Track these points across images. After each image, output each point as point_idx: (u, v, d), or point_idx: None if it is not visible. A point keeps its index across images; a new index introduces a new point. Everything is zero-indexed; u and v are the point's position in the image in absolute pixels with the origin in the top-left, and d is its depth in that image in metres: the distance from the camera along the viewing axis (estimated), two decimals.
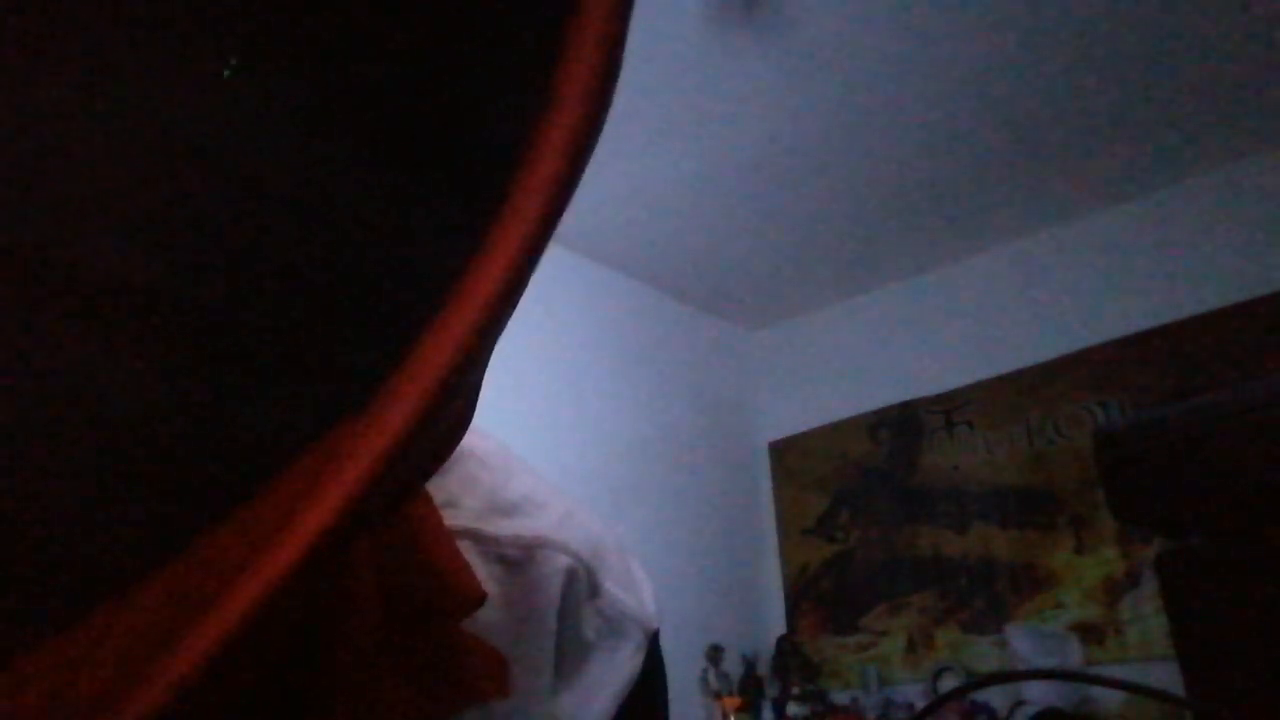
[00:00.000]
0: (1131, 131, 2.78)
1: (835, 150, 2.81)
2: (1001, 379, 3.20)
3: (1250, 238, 2.85)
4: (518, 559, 0.34)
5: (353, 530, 0.15)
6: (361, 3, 0.18)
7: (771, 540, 3.60)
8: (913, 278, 3.51)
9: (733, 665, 3.18)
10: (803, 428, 3.63)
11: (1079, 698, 2.61)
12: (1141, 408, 2.89)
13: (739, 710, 3.09)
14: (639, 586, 0.39)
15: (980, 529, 3.14)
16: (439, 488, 0.33)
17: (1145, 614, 2.74)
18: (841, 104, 2.62)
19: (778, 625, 3.46)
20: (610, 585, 0.37)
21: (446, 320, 0.15)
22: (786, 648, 3.32)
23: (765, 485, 3.68)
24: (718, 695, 3.08)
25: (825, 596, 3.42)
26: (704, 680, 3.10)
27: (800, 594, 3.48)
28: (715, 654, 3.12)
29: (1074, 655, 2.76)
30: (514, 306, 0.15)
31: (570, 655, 0.35)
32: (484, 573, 0.33)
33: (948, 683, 2.98)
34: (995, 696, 2.77)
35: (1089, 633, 2.83)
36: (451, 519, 0.33)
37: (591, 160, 0.16)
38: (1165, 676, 2.20)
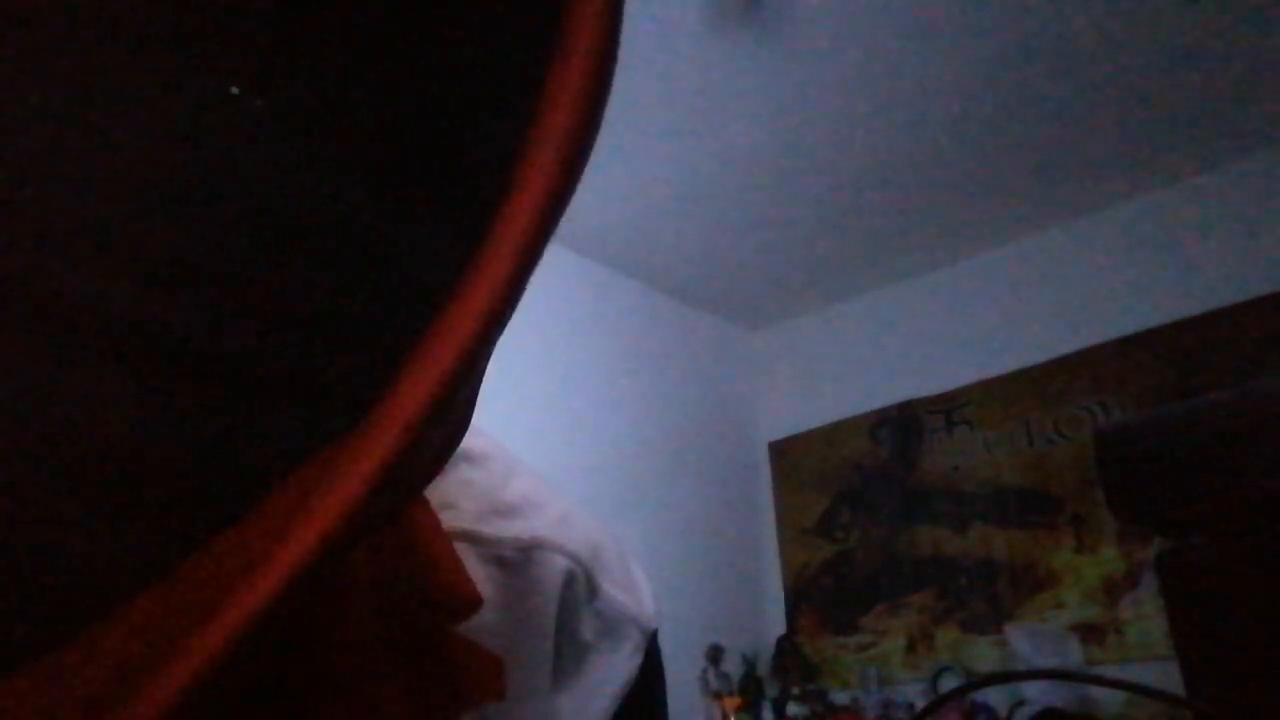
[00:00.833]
0: (1131, 131, 2.78)
1: (835, 150, 2.81)
2: (1001, 379, 3.20)
3: (1250, 238, 2.85)
4: (516, 560, 0.34)
5: (346, 545, 0.15)
6: (353, 21, 0.18)
7: (771, 540, 3.60)
8: (913, 278, 3.51)
9: (733, 665, 3.18)
10: (803, 428, 3.63)
11: (1079, 698, 2.61)
12: (1141, 408, 2.89)
13: (739, 710, 3.09)
14: (637, 587, 0.39)
15: (980, 529, 3.14)
16: (436, 490, 0.33)
17: (1145, 614, 2.74)
18: (841, 104, 2.62)
19: (778, 625, 3.46)
20: (608, 586, 0.37)
21: (437, 339, 0.15)
22: (786, 648, 3.32)
23: (765, 485, 3.68)
24: (718, 695, 3.08)
25: (825, 596, 3.42)
26: (704, 680, 3.10)
27: (800, 594, 3.48)
28: (715, 654, 3.12)
29: (1074, 655, 2.76)
30: (507, 319, 0.15)
31: (568, 656, 0.35)
32: (482, 574, 0.33)
33: (948, 683, 2.98)
34: (995, 696, 2.76)
35: (1089, 633, 2.83)
36: (449, 521, 0.33)
37: (591, 160, 0.16)
38: (1165, 676, 2.20)
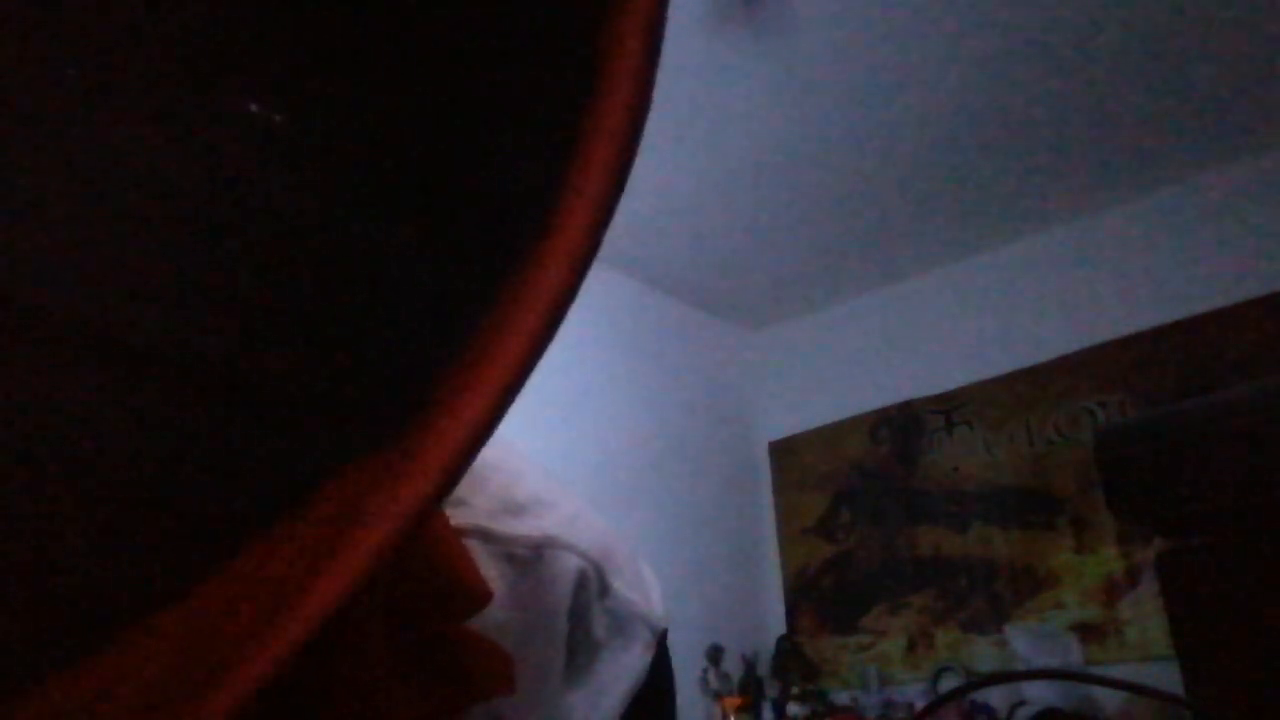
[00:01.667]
0: (1132, 131, 2.78)
1: (835, 151, 2.81)
2: (1001, 379, 3.21)
3: (1250, 238, 2.85)
4: (527, 558, 0.35)
5: (383, 567, 0.15)
6: (389, 62, 0.18)
7: (771, 540, 3.60)
8: (913, 278, 3.51)
9: (733, 665, 3.18)
10: (803, 428, 3.63)
11: (1079, 698, 2.61)
12: (1141, 408, 2.90)
13: (739, 710, 3.09)
14: (647, 586, 0.39)
15: (980, 529, 3.14)
16: None
17: (1145, 614, 2.74)
18: (842, 105, 2.62)
19: (778, 625, 3.46)
20: (619, 585, 0.37)
21: (488, 361, 0.15)
22: (786, 648, 3.32)
23: (765, 485, 3.68)
24: (718, 695, 3.09)
25: (825, 596, 3.42)
26: (704, 680, 3.10)
27: (800, 594, 3.48)
28: (715, 654, 3.12)
29: (1074, 655, 2.76)
30: (553, 336, 0.16)
31: (580, 654, 0.36)
32: (493, 572, 0.33)
33: (948, 683, 2.98)
34: (995, 696, 2.77)
35: (1089, 633, 2.84)
36: (461, 517, 0.34)
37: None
38: (1165, 676, 2.20)
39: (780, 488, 3.64)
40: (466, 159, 0.19)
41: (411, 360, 0.18)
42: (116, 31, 0.16)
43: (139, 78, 0.16)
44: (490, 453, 0.36)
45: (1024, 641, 2.81)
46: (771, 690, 3.25)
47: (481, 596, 0.30)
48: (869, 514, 3.40)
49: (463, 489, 0.35)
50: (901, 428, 3.40)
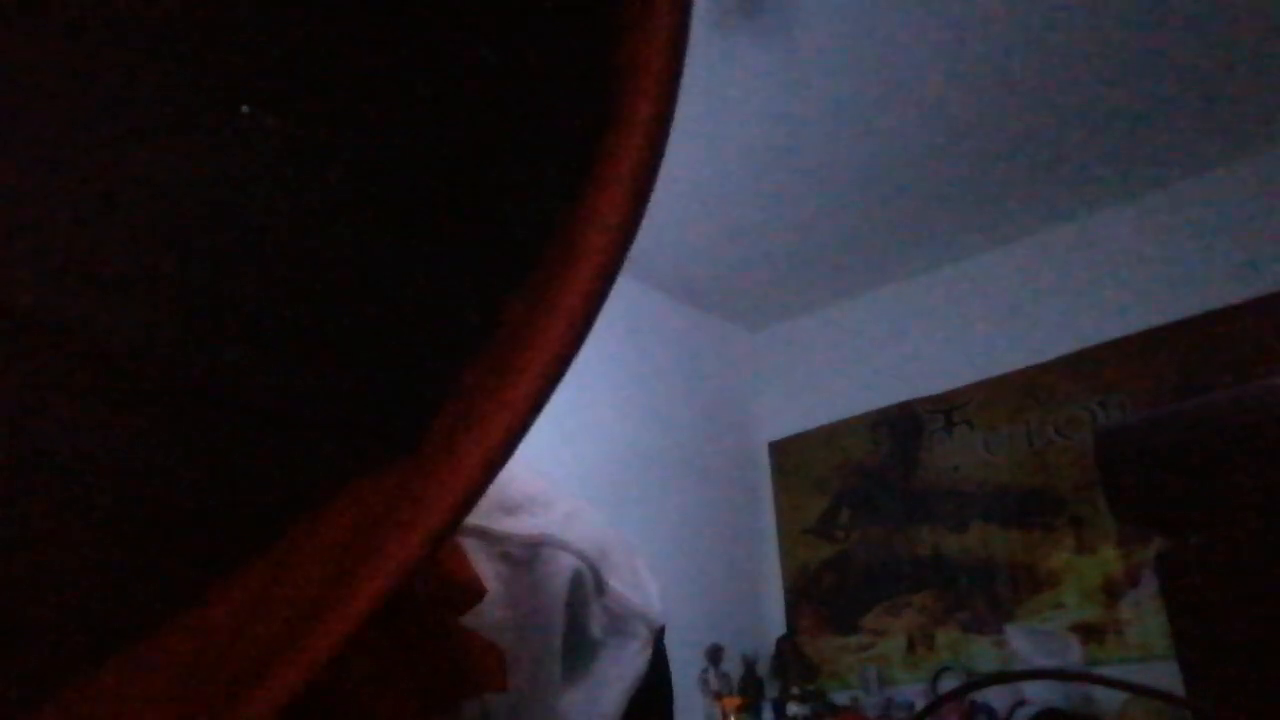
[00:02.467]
0: (1131, 131, 2.78)
1: (835, 151, 2.81)
2: (1001, 379, 3.21)
3: (1250, 238, 2.85)
4: (523, 557, 0.35)
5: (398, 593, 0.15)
6: (407, 78, 0.18)
7: (771, 540, 3.60)
8: (913, 278, 3.51)
9: (733, 665, 3.18)
10: (803, 428, 3.63)
11: (1079, 698, 2.61)
12: (1141, 408, 2.90)
13: (739, 710, 3.09)
14: (644, 584, 0.39)
15: (980, 529, 3.14)
16: None
17: (1145, 614, 2.74)
18: (841, 104, 2.62)
19: (778, 625, 3.46)
20: (616, 583, 0.37)
21: (510, 380, 0.15)
22: (786, 648, 3.33)
23: (765, 485, 3.68)
24: (718, 695, 3.09)
25: (825, 596, 3.42)
26: (704, 680, 3.10)
27: (800, 594, 3.48)
28: (715, 654, 3.12)
29: (1074, 655, 2.76)
30: (576, 355, 0.16)
31: (577, 653, 0.36)
32: (489, 570, 0.33)
33: (948, 683, 2.98)
34: (995, 696, 2.77)
35: (1089, 633, 2.84)
36: None
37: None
38: (1165, 676, 2.20)
39: (780, 488, 3.64)
40: (487, 176, 0.19)
41: (424, 375, 0.18)
42: (119, 39, 0.16)
43: (144, 86, 0.16)
44: None
45: (1024, 641, 2.81)
46: (771, 690, 3.25)
47: (475, 593, 0.30)
48: (869, 514, 3.40)
49: None
50: (901, 428, 3.40)
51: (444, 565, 0.30)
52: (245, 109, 0.17)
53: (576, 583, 0.35)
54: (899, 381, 3.42)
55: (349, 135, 0.18)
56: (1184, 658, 0.99)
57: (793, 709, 3.17)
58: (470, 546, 0.33)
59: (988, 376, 3.23)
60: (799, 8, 2.27)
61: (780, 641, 3.36)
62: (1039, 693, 2.59)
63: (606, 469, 3.03)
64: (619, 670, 0.36)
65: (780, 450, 3.68)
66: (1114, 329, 3.02)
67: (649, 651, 0.38)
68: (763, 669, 3.29)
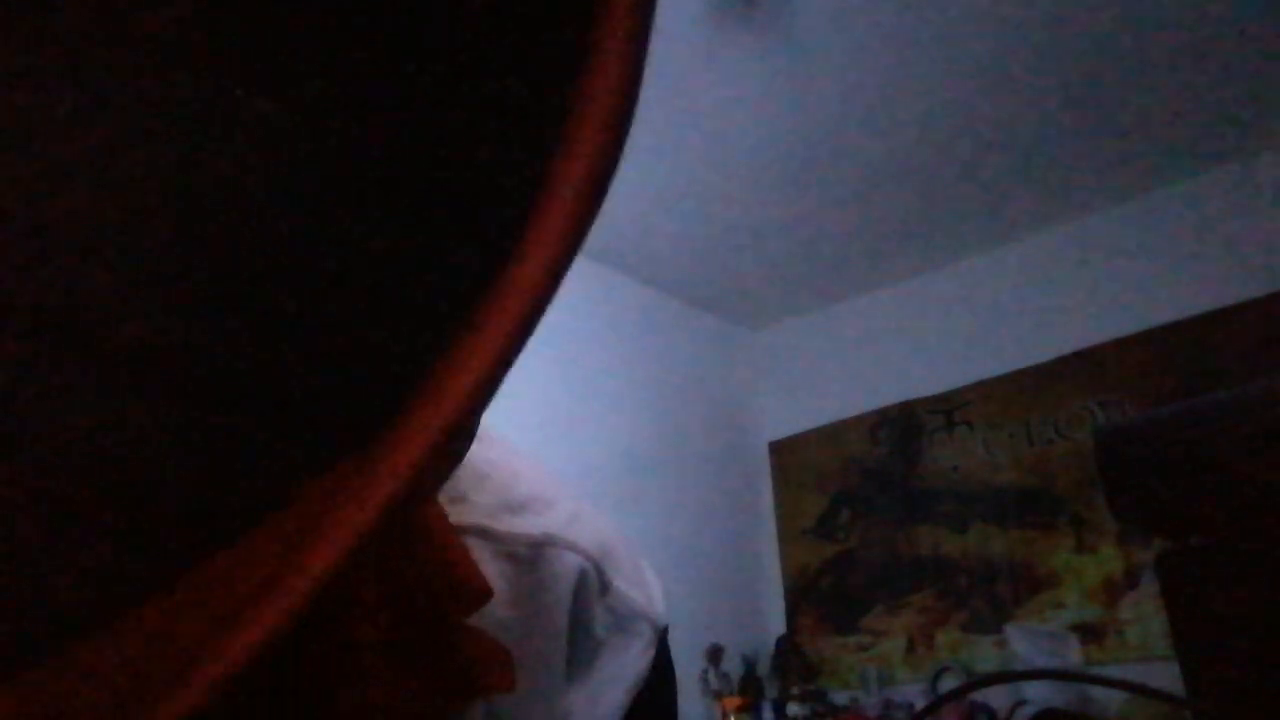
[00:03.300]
0: (1131, 132, 2.78)
1: (835, 150, 2.81)
2: (1001, 379, 3.21)
3: (1250, 238, 2.85)
4: (527, 557, 0.35)
5: (367, 554, 0.15)
6: (379, 57, 0.18)
7: (771, 540, 3.60)
8: (913, 278, 3.51)
9: (733, 665, 3.18)
10: (803, 428, 3.63)
11: (1079, 698, 2.61)
12: (1141, 408, 2.90)
13: (739, 710, 3.09)
14: (648, 584, 0.39)
15: (980, 529, 3.14)
16: (448, 484, 0.34)
17: (1145, 614, 2.74)
18: (842, 104, 2.62)
19: (778, 625, 3.46)
20: (620, 583, 0.37)
21: (455, 367, 0.15)
22: (786, 648, 3.32)
23: (765, 485, 3.68)
24: (718, 695, 3.09)
25: (825, 596, 3.42)
26: (704, 680, 3.10)
27: (800, 594, 3.48)
28: (715, 654, 3.12)
29: (1074, 655, 2.76)
30: (523, 347, 0.16)
31: (581, 652, 0.36)
32: (494, 570, 0.33)
33: (948, 683, 2.98)
34: (995, 696, 2.77)
35: (1089, 633, 2.84)
36: (461, 515, 0.34)
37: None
38: (1165, 676, 2.20)
39: (780, 488, 3.64)
40: (443, 153, 0.19)
41: (393, 360, 0.18)
42: (113, 24, 0.16)
43: (137, 72, 0.16)
44: (490, 452, 0.36)
45: (1024, 641, 2.81)
46: (771, 690, 3.25)
47: (481, 593, 0.30)
48: (869, 514, 3.40)
49: (463, 487, 0.35)
50: (901, 428, 3.40)
51: (449, 565, 0.30)
52: (239, 91, 0.17)
53: (581, 582, 0.35)
54: (899, 381, 3.42)
55: (331, 120, 0.18)
56: (1184, 658, 1.00)
57: (793, 709, 3.17)
58: (474, 546, 0.33)
59: (988, 376, 3.23)
60: (799, 7, 2.27)
61: (780, 641, 3.36)
62: (1039, 693, 2.59)
63: (606, 469, 3.03)
64: (622, 670, 0.37)
65: (780, 450, 3.68)
66: (1114, 329, 3.02)
67: (652, 651, 0.38)
68: (763, 669, 3.29)
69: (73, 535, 0.18)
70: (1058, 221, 3.21)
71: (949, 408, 3.31)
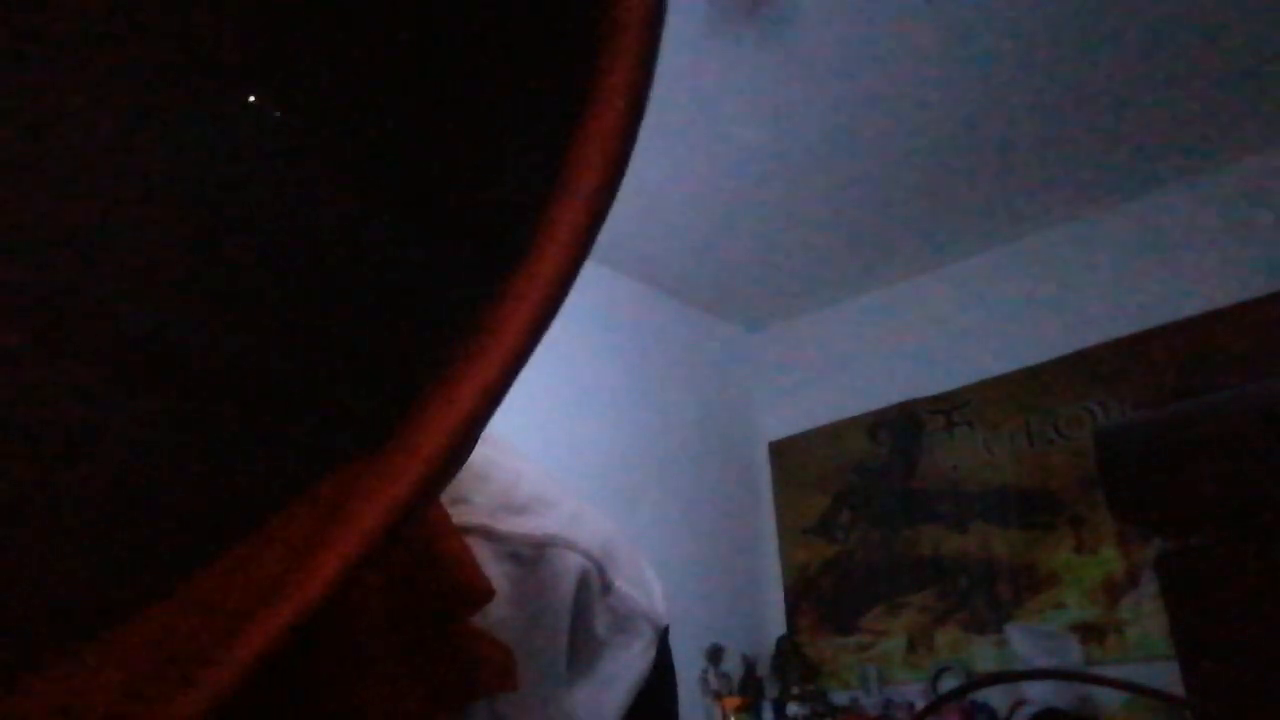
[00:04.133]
0: (1131, 132, 2.78)
1: (835, 150, 2.81)
2: (1001, 379, 3.21)
3: (1250, 238, 2.85)
4: (529, 557, 0.35)
5: (373, 560, 0.15)
6: (392, 71, 0.18)
7: (771, 540, 3.60)
8: (913, 278, 3.52)
9: (733, 665, 3.18)
10: (803, 428, 3.64)
11: (1079, 698, 2.61)
12: (1141, 408, 2.90)
13: (739, 710, 3.09)
14: (649, 584, 0.39)
15: (980, 529, 3.14)
16: (449, 486, 0.34)
17: (1145, 614, 2.74)
18: (841, 104, 2.62)
19: (778, 625, 3.46)
20: (621, 583, 0.37)
21: (470, 367, 0.15)
22: (786, 648, 3.33)
23: (765, 485, 3.68)
24: (718, 695, 3.09)
25: (825, 596, 3.42)
26: (704, 680, 3.10)
27: (800, 594, 3.48)
28: (715, 654, 3.12)
29: (1074, 655, 2.76)
30: (535, 347, 0.16)
31: (583, 652, 0.36)
32: (496, 570, 0.33)
33: (948, 683, 2.98)
34: (995, 696, 2.77)
35: (1089, 633, 2.84)
36: (463, 516, 0.34)
37: None
38: (1165, 676, 2.20)
39: (780, 488, 3.64)
40: (459, 157, 0.19)
41: (405, 360, 0.19)
42: (116, 25, 0.16)
43: (138, 71, 0.16)
44: (491, 452, 0.36)
45: (1024, 641, 2.81)
46: (771, 690, 3.25)
47: (483, 593, 0.30)
48: (869, 514, 3.40)
49: (464, 488, 0.35)
50: (901, 428, 3.40)
51: (452, 566, 0.30)
52: (251, 99, 0.17)
53: (582, 582, 0.35)
54: (899, 381, 3.42)
55: (340, 123, 0.18)
56: (1184, 658, 1.00)
57: (793, 709, 3.17)
58: (477, 546, 0.33)
59: (988, 376, 3.23)
60: (799, 9, 2.27)
61: (780, 641, 3.36)
62: (1039, 693, 2.59)
63: (606, 469, 3.03)
64: (623, 669, 0.37)
65: (780, 450, 3.68)
66: (1114, 329, 3.02)
67: (653, 650, 0.38)
68: (763, 669, 3.29)
69: (79, 535, 0.18)
70: (1058, 221, 3.21)
71: (949, 408, 3.31)
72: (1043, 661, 2.72)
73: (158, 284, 0.18)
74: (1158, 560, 1.06)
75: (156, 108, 0.17)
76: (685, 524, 3.27)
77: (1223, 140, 2.84)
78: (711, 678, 3.10)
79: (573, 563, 0.35)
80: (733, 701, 3.09)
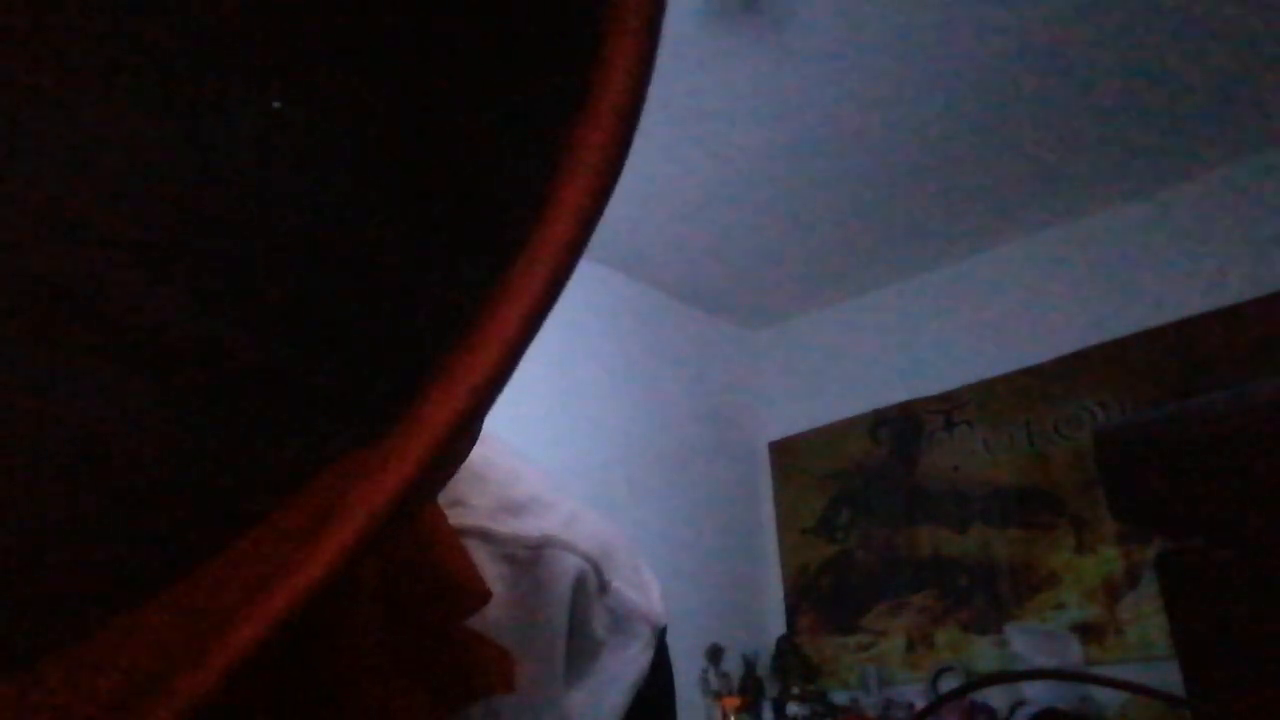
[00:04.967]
0: (1132, 131, 2.78)
1: (835, 150, 2.81)
2: (1001, 379, 3.21)
3: (1250, 238, 2.85)
4: (526, 558, 0.35)
5: (372, 550, 0.15)
6: (391, 58, 0.18)
7: (771, 540, 3.60)
8: (913, 278, 3.52)
9: (733, 665, 3.18)
10: (803, 428, 3.64)
11: (1079, 698, 2.61)
12: (1141, 408, 2.90)
13: (739, 710, 3.09)
14: (647, 584, 0.39)
15: (980, 529, 3.14)
16: (447, 487, 0.34)
17: (1145, 614, 2.74)
18: (842, 104, 2.62)
19: (778, 625, 3.46)
20: (619, 583, 0.37)
21: (463, 363, 0.15)
22: (786, 648, 3.33)
23: (765, 485, 3.68)
24: (718, 695, 3.09)
25: (825, 596, 3.42)
26: (704, 680, 3.10)
27: (800, 594, 3.48)
28: (715, 654, 3.12)
29: (1074, 655, 2.76)
30: (530, 341, 0.16)
31: (581, 653, 0.36)
32: (493, 572, 0.33)
33: (948, 683, 2.98)
34: (995, 696, 2.77)
35: (1089, 633, 2.84)
36: (460, 517, 0.34)
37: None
38: (1165, 676, 2.20)
39: (780, 488, 3.64)
40: (456, 152, 0.19)
41: (401, 355, 0.19)
42: (123, 20, 0.16)
43: (144, 66, 0.17)
44: (489, 453, 0.36)
45: (1024, 641, 2.81)
46: (771, 690, 3.25)
47: (480, 595, 0.30)
48: (869, 514, 3.40)
49: (461, 489, 0.35)
50: (901, 428, 3.40)
51: (449, 568, 0.30)
52: (276, 104, 0.17)
53: (580, 583, 0.35)
54: (899, 381, 3.42)
55: (352, 121, 0.18)
56: (1184, 658, 1.00)
57: (793, 709, 3.17)
58: (473, 548, 0.33)
59: (988, 376, 3.23)
60: (798, 8, 2.27)
61: (780, 641, 3.36)
62: (1039, 693, 2.59)
63: (607, 469, 3.03)
64: (621, 670, 0.37)
65: (780, 450, 3.68)
66: (1114, 329, 3.02)
67: (651, 651, 0.38)
68: (763, 669, 3.29)
69: (77, 527, 0.18)
70: (1057, 221, 3.21)
71: (949, 408, 3.31)
72: (1043, 661, 2.72)
73: (157, 277, 0.18)
74: (1158, 560, 1.06)
75: (162, 100, 0.17)
76: (685, 523, 3.27)
77: (1222, 140, 2.84)
78: (711, 677, 3.10)
79: (570, 564, 0.35)
80: (733, 701, 3.09)
